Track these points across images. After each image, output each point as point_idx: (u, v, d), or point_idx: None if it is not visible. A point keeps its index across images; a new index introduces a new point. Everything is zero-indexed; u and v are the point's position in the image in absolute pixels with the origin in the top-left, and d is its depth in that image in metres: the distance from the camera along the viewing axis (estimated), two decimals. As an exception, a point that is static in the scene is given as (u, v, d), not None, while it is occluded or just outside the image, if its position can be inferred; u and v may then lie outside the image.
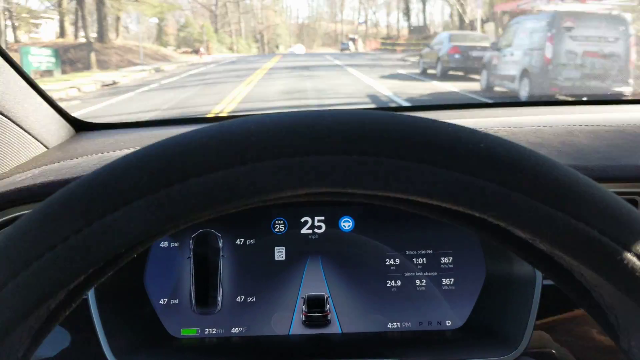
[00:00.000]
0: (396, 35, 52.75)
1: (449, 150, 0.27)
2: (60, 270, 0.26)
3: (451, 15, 38.76)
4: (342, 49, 47.79)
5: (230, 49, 50.34)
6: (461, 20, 33.23)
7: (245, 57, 34.69)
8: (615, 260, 0.27)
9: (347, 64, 21.43)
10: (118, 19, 28.01)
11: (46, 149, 1.08)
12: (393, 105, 9.04)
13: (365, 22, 69.53)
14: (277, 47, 61.96)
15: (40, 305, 0.27)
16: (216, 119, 1.63)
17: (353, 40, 53.15)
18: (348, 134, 0.28)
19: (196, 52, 37.36)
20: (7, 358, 0.29)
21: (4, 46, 1.00)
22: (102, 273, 0.32)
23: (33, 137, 1.04)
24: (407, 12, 51.63)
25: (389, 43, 44.08)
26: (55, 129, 1.13)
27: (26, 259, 0.26)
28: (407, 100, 9.77)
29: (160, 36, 39.57)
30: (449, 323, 0.83)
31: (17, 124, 0.99)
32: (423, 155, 0.27)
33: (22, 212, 0.76)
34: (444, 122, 0.29)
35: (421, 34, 43.51)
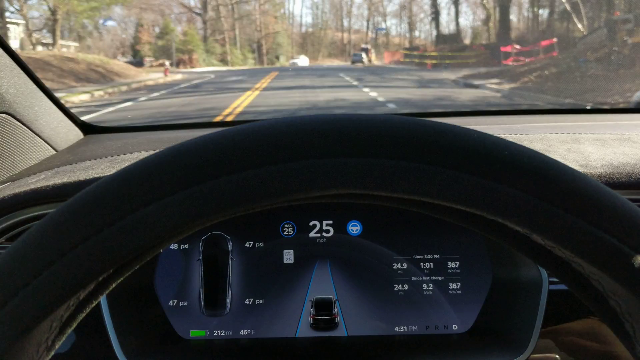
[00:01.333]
0: (420, 46, 45.13)
1: (474, 155, 0.28)
2: (92, 262, 0.27)
3: (488, 22, 34.10)
4: (354, 62, 39.87)
5: (223, 60, 43.44)
6: (504, 26, 29.74)
7: (234, 71, 30.32)
8: (635, 269, 0.27)
9: (370, 84, 16.80)
10: (55, 21, 23.44)
11: (55, 152, 1.10)
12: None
13: (386, 30, 61.36)
14: (277, 57, 53.34)
15: (72, 294, 0.28)
16: (224, 123, 1.64)
17: (366, 50, 43.87)
18: (382, 138, 0.28)
19: (177, 64, 32.66)
20: (37, 344, 0.29)
21: None
22: (129, 266, 0.32)
23: (43, 139, 1.06)
24: (436, 18, 44.16)
25: (416, 55, 35.93)
26: (64, 132, 1.15)
27: (60, 249, 0.27)
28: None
29: (134, 45, 34.93)
30: (455, 327, 0.83)
31: (28, 127, 1.01)
32: (454, 162, 0.28)
33: (36, 213, 0.77)
34: (487, 134, 0.29)
35: (453, 44, 36.49)
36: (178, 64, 33.83)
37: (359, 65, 37.79)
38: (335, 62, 54.08)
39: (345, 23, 67.78)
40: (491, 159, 0.28)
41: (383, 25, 63.95)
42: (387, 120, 0.29)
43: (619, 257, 0.27)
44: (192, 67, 34.38)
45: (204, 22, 46.22)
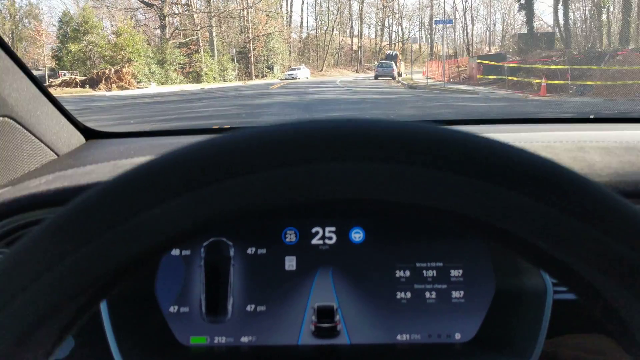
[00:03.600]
0: (505, 54, 24.08)
1: (489, 164, 0.28)
2: (92, 266, 0.27)
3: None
4: (379, 75, 28.42)
5: (191, 74, 29.59)
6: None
7: (195, 94, 16.00)
8: None
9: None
10: None
11: (57, 156, 1.09)
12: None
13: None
14: (269, 68, 40.45)
15: (72, 299, 0.27)
16: (222, 130, 1.64)
17: (394, 58, 33.42)
18: (417, 145, 0.28)
19: (95, 82, 18.72)
20: (35, 349, 0.29)
21: None
22: (130, 272, 0.32)
23: (45, 144, 1.05)
24: (529, 7, 25.83)
25: (511, 69, 18.41)
26: (66, 137, 1.14)
27: (61, 253, 0.27)
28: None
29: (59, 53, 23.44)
30: (458, 336, 0.83)
31: (30, 131, 1.00)
32: (485, 174, 0.27)
33: (36, 218, 0.77)
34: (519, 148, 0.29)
35: (553, 49, 22.59)
36: (98, 81, 20.44)
37: (391, 82, 25.66)
38: (346, 74, 44.68)
39: (356, 26, 54.98)
40: (529, 174, 0.27)
41: (414, 33, 50.49)
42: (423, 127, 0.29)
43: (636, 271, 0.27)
44: (125, 86, 20.56)
45: (161, 18, 30.18)
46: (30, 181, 0.83)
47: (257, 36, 40.62)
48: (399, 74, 28.59)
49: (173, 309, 0.82)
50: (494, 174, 0.27)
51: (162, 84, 25.14)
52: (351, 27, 55.17)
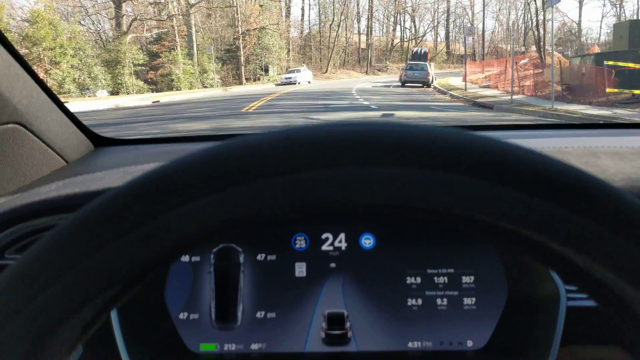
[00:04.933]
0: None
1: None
2: (111, 268, 0.27)
3: None
4: (410, 82, 22.59)
5: (151, 82, 22.10)
6: None
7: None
8: None
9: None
10: None
11: (66, 163, 1.10)
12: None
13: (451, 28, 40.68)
14: (263, 70, 34.17)
15: (88, 302, 0.27)
16: (233, 135, 1.63)
17: (424, 54, 29.16)
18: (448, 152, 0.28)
19: None
20: (52, 353, 0.29)
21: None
22: (148, 272, 0.31)
23: (54, 151, 1.06)
24: None
25: None
26: (75, 144, 1.15)
27: (82, 254, 0.27)
28: None
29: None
30: (470, 344, 0.82)
31: (40, 138, 1.01)
32: (514, 181, 0.27)
33: (46, 224, 0.77)
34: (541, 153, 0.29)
35: None
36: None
37: (416, 85, 21.62)
38: (355, 76, 39.19)
39: (363, 21, 48.18)
40: (562, 183, 0.27)
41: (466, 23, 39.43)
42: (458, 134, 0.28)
43: None
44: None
45: (116, 3, 23.50)
46: (40, 188, 0.83)
47: (248, 30, 32.66)
48: (433, 79, 22.67)
49: (183, 315, 0.82)
50: (538, 186, 0.27)
51: (113, 93, 18.21)
52: (358, 20, 48.49)
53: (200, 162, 0.28)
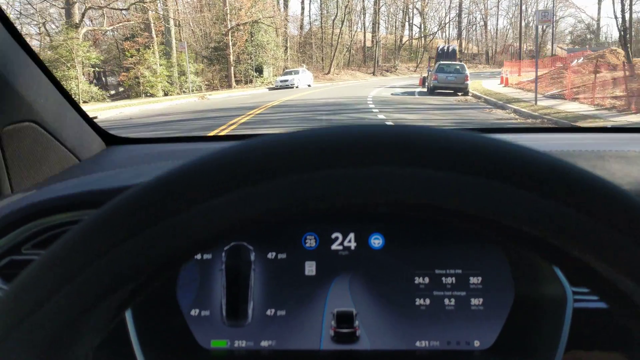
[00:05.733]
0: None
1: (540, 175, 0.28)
2: (136, 260, 0.27)
3: None
4: (441, 88, 17.93)
5: (111, 88, 18.70)
6: None
7: None
8: None
9: None
10: None
11: (79, 161, 1.11)
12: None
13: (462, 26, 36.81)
14: (257, 71, 29.65)
15: (113, 293, 0.28)
16: (244, 137, 1.65)
17: (453, 53, 24.17)
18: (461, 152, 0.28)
19: None
20: (94, 325, 0.29)
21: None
22: (186, 258, 0.32)
23: (67, 149, 1.07)
24: None
25: None
26: (88, 142, 1.17)
27: (109, 244, 0.27)
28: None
29: None
30: (477, 344, 0.83)
31: (54, 137, 1.03)
32: (527, 182, 0.28)
33: (62, 221, 0.78)
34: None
35: None
36: None
37: (456, 95, 17.01)
38: (360, 78, 34.86)
39: (368, 17, 42.96)
40: (567, 182, 0.28)
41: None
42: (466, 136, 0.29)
43: None
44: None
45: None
46: (55, 185, 0.85)
47: (239, 25, 27.56)
48: (468, 89, 17.51)
49: (194, 312, 0.84)
50: (560, 190, 0.27)
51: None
52: (364, 15, 43.05)
53: (227, 159, 0.28)
